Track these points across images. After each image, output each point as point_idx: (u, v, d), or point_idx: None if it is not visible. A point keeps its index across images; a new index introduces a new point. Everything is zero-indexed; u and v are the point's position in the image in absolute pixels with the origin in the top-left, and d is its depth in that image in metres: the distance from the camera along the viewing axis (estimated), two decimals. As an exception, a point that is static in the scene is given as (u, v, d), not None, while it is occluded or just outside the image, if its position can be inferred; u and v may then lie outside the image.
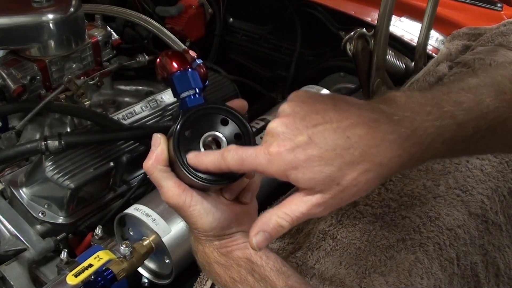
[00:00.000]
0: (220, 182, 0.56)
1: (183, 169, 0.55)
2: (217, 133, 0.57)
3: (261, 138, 0.95)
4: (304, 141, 0.48)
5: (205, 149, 0.56)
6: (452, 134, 0.50)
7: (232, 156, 0.52)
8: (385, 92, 0.58)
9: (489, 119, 0.51)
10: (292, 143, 0.49)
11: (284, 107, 0.52)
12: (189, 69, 0.64)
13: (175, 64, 0.64)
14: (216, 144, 0.57)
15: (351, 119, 0.49)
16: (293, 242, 0.79)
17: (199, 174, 0.55)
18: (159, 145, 0.58)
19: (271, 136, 0.50)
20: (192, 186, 0.57)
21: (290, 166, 0.49)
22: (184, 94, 0.61)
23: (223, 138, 0.57)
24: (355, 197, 0.50)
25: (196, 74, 0.64)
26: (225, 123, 0.58)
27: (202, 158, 0.54)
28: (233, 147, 0.52)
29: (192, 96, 0.61)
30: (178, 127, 0.56)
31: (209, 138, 0.57)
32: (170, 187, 0.57)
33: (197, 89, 0.62)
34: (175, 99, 0.68)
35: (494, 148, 0.61)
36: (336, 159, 0.48)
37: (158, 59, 0.67)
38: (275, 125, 0.51)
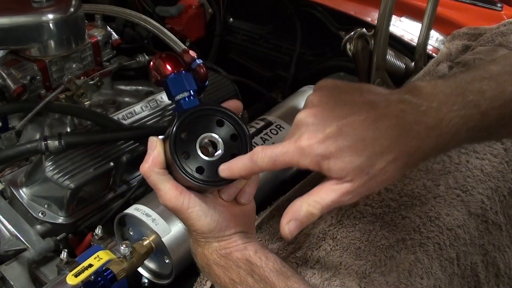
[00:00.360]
0: (218, 183, 0.56)
1: (180, 171, 0.55)
2: (213, 134, 0.57)
3: (261, 138, 0.96)
4: (334, 133, 0.50)
5: (201, 151, 0.56)
6: (476, 123, 0.52)
7: (262, 158, 0.53)
8: (410, 83, 0.59)
9: (511, 107, 0.52)
10: (322, 135, 0.50)
11: (312, 98, 0.53)
12: (183, 71, 0.64)
13: (169, 67, 0.64)
14: (212, 145, 0.58)
15: (379, 110, 0.50)
16: (293, 242, 0.79)
17: (196, 176, 0.55)
18: (156, 148, 0.57)
19: (299, 128, 0.52)
20: (189, 188, 0.57)
21: (322, 157, 0.50)
22: (178, 97, 0.61)
23: (219, 139, 0.57)
24: (382, 185, 0.52)
25: (190, 76, 0.64)
26: (220, 124, 0.58)
27: (233, 167, 0.55)
28: (259, 148, 0.53)
29: (186, 98, 0.61)
30: (174, 129, 0.56)
31: (205, 140, 0.57)
32: (168, 190, 0.57)
33: (191, 91, 0.62)
34: (175, 100, 0.68)
35: None
36: (365, 150, 0.49)
37: (151, 62, 0.67)
38: (304, 116, 0.52)
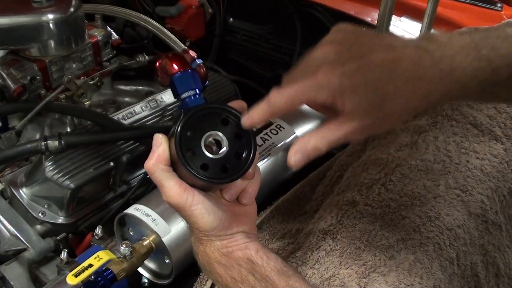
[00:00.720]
0: (222, 180, 0.57)
1: (185, 168, 0.55)
2: (218, 132, 0.58)
3: (261, 138, 0.96)
4: (352, 69, 0.51)
5: (206, 149, 0.57)
6: (486, 76, 0.52)
7: (280, 99, 0.54)
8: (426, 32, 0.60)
9: None
10: (340, 70, 0.51)
11: (329, 37, 0.55)
12: (189, 70, 0.65)
13: (175, 66, 0.65)
14: (216, 143, 0.58)
15: (397, 53, 0.52)
16: (293, 242, 0.80)
17: (201, 172, 0.55)
18: (161, 144, 0.58)
19: (315, 64, 0.53)
20: (193, 185, 0.57)
21: (338, 92, 0.51)
22: (184, 95, 0.62)
23: (224, 138, 0.58)
24: (390, 126, 0.54)
25: (196, 75, 0.65)
26: (225, 123, 0.58)
27: (253, 115, 0.56)
28: (275, 90, 0.55)
29: (192, 97, 0.62)
30: (180, 126, 0.56)
31: (210, 138, 0.58)
32: (172, 186, 0.57)
33: (197, 89, 0.63)
34: (175, 99, 0.68)
35: None
36: (380, 89, 0.51)
37: (158, 63, 0.68)
38: (321, 52, 0.54)
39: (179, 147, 0.55)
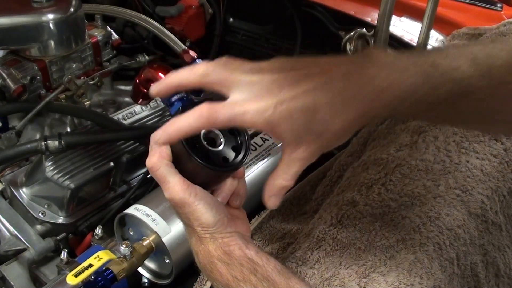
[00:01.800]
0: (228, 168, 0.60)
1: (194, 159, 0.56)
2: (213, 129, 0.60)
3: (261, 138, 0.96)
4: (288, 97, 0.51)
5: (205, 142, 0.59)
6: (424, 92, 0.51)
7: (223, 116, 0.53)
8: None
9: (462, 85, 0.52)
10: (277, 99, 0.51)
11: (263, 65, 0.55)
12: None
13: (161, 74, 0.67)
14: (213, 138, 0.61)
15: (329, 74, 0.52)
16: (293, 242, 0.79)
17: (207, 163, 0.57)
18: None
19: (252, 87, 0.53)
20: (194, 182, 0.59)
21: (276, 121, 0.52)
22: (175, 97, 0.64)
23: (219, 133, 0.60)
24: (337, 143, 0.55)
25: None
26: None
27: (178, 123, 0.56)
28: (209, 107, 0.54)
29: (184, 98, 0.64)
30: None
31: (207, 133, 0.60)
32: (177, 182, 0.57)
33: (185, 92, 0.65)
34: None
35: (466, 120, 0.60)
36: (316, 113, 0.51)
37: (137, 79, 0.70)
38: (257, 78, 0.54)
39: (184, 141, 0.57)
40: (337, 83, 0.51)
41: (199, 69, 0.56)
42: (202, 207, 0.58)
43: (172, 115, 0.62)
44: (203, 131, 0.59)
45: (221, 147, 0.60)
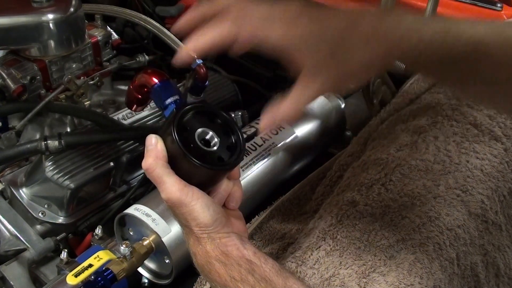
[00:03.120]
0: (224, 167, 0.60)
1: (190, 159, 0.57)
2: (207, 129, 0.61)
3: (261, 138, 0.96)
4: (313, 28, 0.53)
5: (200, 143, 0.60)
6: (444, 49, 0.53)
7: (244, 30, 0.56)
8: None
9: (481, 45, 0.53)
10: (301, 26, 0.53)
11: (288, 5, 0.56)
12: (168, 79, 0.69)
13: (154, 78, 0.69)
14: (208, 139, 0.61)
15: (357, 15, 0.54)
16: (293, 242, 0.80)
17: (203, 162, 0.57)
18: (157, 143, 0.59)
19: (272, 18, 0.55)
20: (189, 183, 0.59)
21: (300, 44, 0.53)
22: (169, 100, 0.66)
23: (213, 133, 0.61)
24: (353, 83, 0.57)
25: (174, 83, 0.71)
26: (212, 120, 0.62)
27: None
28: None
29: (178, 101, 0.65)
30: (177, 123, 0.58)
31: (202, 134, 0.61)
32: (174, 182, 0.57)
33: (178, 95, 0.68)
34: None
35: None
36: (341, 44, 0.53)
37: (131, 85, 0.72)
38: (279, 8, 0.55)
39: (180, 141, 0.57)
40: (363, 23, 0.53)
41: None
42: (199, 207, 0.58)
43: (167, 117, 0.63)
44: (197, 131, 0.60)
45: (216, 147, 0.61)
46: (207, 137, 0.61)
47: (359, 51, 0.53)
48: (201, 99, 1.09)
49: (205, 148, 0.60)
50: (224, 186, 0.63)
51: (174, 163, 0.59)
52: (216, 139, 0.61)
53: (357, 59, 0.53)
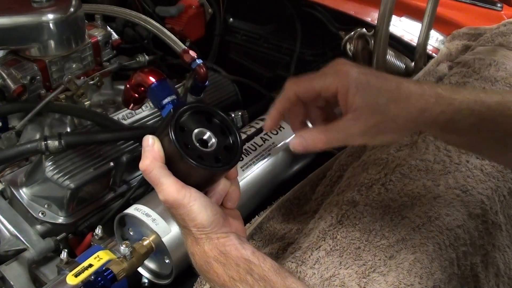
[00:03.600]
0: (223, 167, 0.60)
1: (188, 160, 0.56)
2: (205, 129, 0.61)
3: (261, 138, 0.96)
4: (366, 72, 0.60)
5: (197, 143, 0.60)
6: (474, 115, 0.60)
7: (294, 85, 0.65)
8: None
9: (482, 111, 0.60)
10: (357, 69, 0.60)
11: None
12: (165, 79, 0.69)
13: (151, 78, 0.68)
14: (206, 139, 0.61)
15: (402, 78, 0.62)
16: (293, 242, 0.79)
17: (201, 163, 0.57)
18: (154, 144, 0.58)
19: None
20: (187, 183, 0.59)
21: (352, 84, 0.59)
22: (167, 100, 0.65)
23: (211, 133, 0.61)
24: (390, 135, 0.61)
25: (171, 83, 0.72)
26: (209, 120, 0.62)
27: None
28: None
29: (175, 101, 0.65)
30: (174, 124, 0.58)
31: (199, 135, 0.61)
32: (171, 183, 0.57)
33: (175, 95, 0.67)
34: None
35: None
36: (388, 93, 0.59)
37: (127, 84, 0.71)
38: (335, 63, 0.62)
39: (177, 142, 0.57)
40: (407, 82, 0.61)
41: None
42: (197, 208, 0.58)
43: (164, 118, 0.62)
44: (195, 132, 0.60)
45: (213, 148, 0.60)
46: (205, 137, 0.61)
47: (401, 104, 0.59)
48: (201, 99, 1.09)
49: (203, 148, 0.60)
50: (222, 185, 0.63)
51: (171, 163, 0.58)
52: (213, 139, 0.61)
53: (398, 110, 0.59)
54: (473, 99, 0.60)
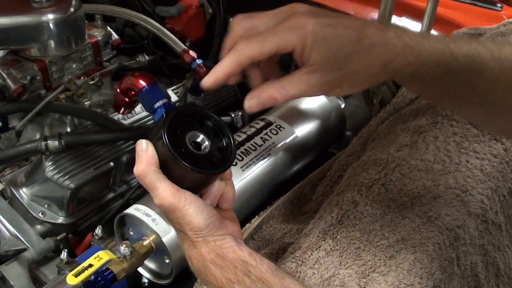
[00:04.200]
0: (217, 170, 0.59)
1: (182, 164, 0.56)
2: (198, 132, 0.61)
3: (261, 138, 0.96)
4: (324, 22, 0.54)
5: (191, 146, 0.59)
6: (445, 60, 0.55)
7: (248, 46, 0.57)
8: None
9: (477, 63, 0.55)
10: (313, 19, 0.54)
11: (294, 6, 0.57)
12: (155, 82, 0.69)
13: (142, 81, 0.68)
14: (199, 142, 0.61)
15: (364, 21, 0.56)
16: (293, 242, 0.79)
17: (195, 167, 0.57)
18: (148, 148, 0.58)
19: (283, 15, 0.57)
20: (181, 187, 0.59)
21: (309, 38, 0.54)
22: (158, 103, 0.65)
23: (204, 136, 0.61)
24: (349, 88, 0.57)
25: (163, 86, 0.69)
26: (202, 122, 0.62)
27: (217, 70, 0.59)
28: (241, 40, 0.58)
29: (167, 104, 0.65)
30: (167, 128, 0.57)
31: (192, 138, 0.60)
32: (166, 187, 0.57)
33: (167, 98, 0.67)
34: (176, 100, 0.70)
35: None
36: (347, 46, 0.53)
37: (117, 88, 0.71)
38: (289, 6, 0.57)
39: (170, 146, 0.56)
40: (370, 28, 0.54)
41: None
42: (192, 211, 0.57)
43: (157, 121, 0.62)
44: (188, 135, 0.59)
45: (207, 150, 0.60)
46: (198, 140, 0.61)
47: (362, 57, 0.54)
48: (201, 99, 1.09)
49: (196, 151, 0.60)
50: (217, 186, 0.62)
51: (165, 167, 0.58)
52: (207, 142, 0.61)
53: (359, 65, 0.54)
54: (442, 50, 0.55)
